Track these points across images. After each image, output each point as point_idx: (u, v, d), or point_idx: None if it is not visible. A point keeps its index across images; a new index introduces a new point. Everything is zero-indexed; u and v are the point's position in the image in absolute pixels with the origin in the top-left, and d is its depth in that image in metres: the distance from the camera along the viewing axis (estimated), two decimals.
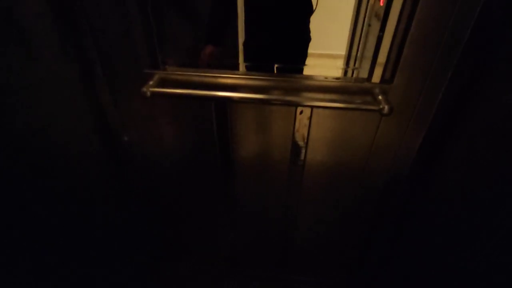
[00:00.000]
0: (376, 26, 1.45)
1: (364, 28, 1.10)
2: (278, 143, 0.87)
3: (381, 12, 1.39)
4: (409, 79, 0.69)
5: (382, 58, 0.69)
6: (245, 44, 0.89)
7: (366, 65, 1.36)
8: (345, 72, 1.51)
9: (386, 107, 0.68)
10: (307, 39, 1.03)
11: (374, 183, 0.91)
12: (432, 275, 0.82)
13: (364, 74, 1.25)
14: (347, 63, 1.88)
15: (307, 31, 1.00)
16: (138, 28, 0.71)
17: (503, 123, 0.59)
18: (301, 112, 0.80)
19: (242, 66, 0.86)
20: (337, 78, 0.75)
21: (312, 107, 0.77)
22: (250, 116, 0.84)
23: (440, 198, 0.81)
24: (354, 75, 1.31)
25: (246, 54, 0.89)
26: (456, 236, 0.74)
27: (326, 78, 0.74)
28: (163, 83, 0.78)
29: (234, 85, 0.78)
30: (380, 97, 0.71)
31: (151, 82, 0.75)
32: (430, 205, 0.85)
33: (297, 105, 0.77)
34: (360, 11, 1.59)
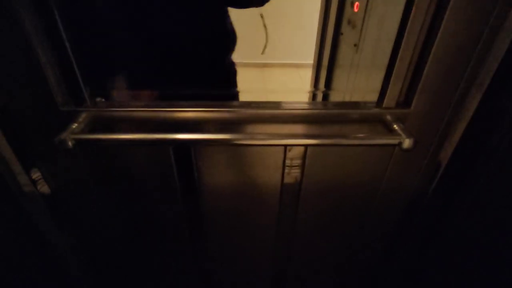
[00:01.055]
0: (349, 34, 1.31)
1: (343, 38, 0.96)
2: (262, 191, 0.66)
3: (356, 19, 1.25)
4: (431, 103, 0.53)
5: (397, 76, 0.52)
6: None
7: (345, 83, 1.20)
8: (314, 96, 1.35)
9: (408, 141, 0.51)
10: (232, 72, 0.83)
11: (381, 227, 0.74)
12: None
13: (337, 95, 1.09)
14: (316, 75, 1.74)
15: (230, 64, 0.80)
16: (45, 48, 0.46)
17: None
18: (290, 150, 0.61)
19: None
20: (337, 105, 0.57)
21: (308, 146, 0.58)
22: (222, 157, 0.63)
23: (461, 238, 0.67)
24: (342, 98, 1.14)
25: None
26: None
27: (326, 105, 0.55)
28: (96, 123, 0.54)
29: (197, 121, 0.56)
30: (395, 126, 0.54)
31: (74, 126, 0.51)
32: (449, 245, 0.70)
33: (287, 145, 0.57)
34: (328, 18, 1.46)
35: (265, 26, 1.09)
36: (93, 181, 0.62)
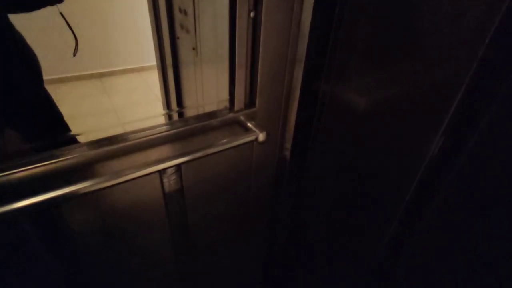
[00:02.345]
0: (186, 38, 1.36)
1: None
2: (149, 217, 0.64)
3: (188, 24, 1.31)
4: (269, 100, 0.65)
5: (239, 83, 0.60)
6: None
7: (194, 84, 1.25)
8: (169, 117, 1.35)
9: (261, 135, 0.61)
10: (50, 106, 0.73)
11: (259, 203, 0.85)
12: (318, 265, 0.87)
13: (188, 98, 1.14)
14: (164, 79, 1.72)
15: (45, 97, 0.72)
16: None
17: (345, 117, 0.65)
18: (165, 173, 0.61)
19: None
20: (198, 118, 0.61)
21: (180, 164, 0.59)
22: (94, 204, 0.56)
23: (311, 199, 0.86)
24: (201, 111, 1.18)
25: None
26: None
27: (187, 120, 0.58)
28: None
29: (47, 175, 0.48)
30: (249, 124, 0.63)
31: None
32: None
33: (161, 170, 0.56)
34: (160, 23, 1.45)
35: (68, 25, 0.94)
36: None
